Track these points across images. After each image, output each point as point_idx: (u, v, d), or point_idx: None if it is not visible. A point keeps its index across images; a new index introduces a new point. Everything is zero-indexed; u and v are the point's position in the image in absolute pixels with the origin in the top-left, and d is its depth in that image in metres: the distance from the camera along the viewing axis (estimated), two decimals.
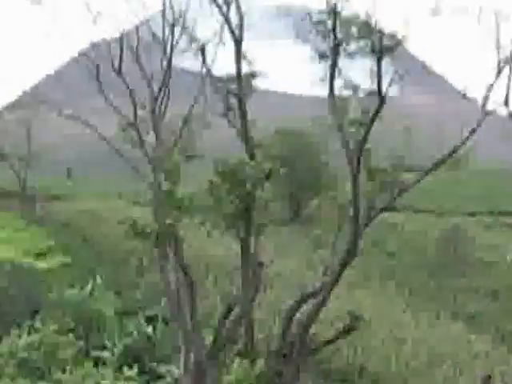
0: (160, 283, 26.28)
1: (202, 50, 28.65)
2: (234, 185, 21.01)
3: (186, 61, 30.62)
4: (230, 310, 23.75)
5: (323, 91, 23.60)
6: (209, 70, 29.12)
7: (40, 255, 56.30)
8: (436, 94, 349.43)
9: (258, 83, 29.70)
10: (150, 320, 34.14)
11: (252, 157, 26.13)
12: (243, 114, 28.53)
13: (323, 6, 21.85)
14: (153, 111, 28.04)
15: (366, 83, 23.14)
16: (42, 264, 52.55)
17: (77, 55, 41.64)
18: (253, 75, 29.28)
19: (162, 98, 28.48)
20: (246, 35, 27.53)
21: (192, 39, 28.48)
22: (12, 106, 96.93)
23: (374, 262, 57.65)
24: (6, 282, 43.76)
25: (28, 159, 77.28)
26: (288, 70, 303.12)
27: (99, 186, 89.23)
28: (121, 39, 28.75)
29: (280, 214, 64.12)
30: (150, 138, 28.50)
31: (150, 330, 32.46)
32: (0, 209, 71.64)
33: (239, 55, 27.84)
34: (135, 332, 32.24)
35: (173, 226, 21.18)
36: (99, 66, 29.64)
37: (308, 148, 72.07)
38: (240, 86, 28.22)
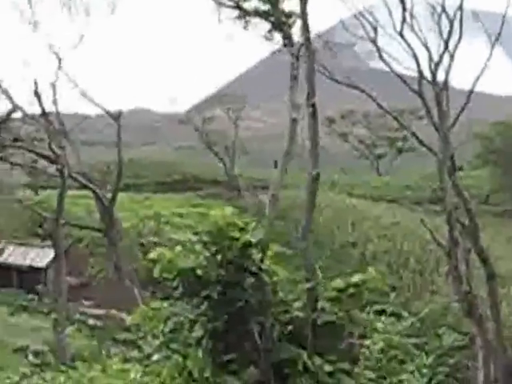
0: None
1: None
2: None
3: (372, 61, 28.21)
4: None
5: None
6: (421, 73, 25.07)
7: None
8: None
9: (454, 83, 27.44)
10: None
11: None
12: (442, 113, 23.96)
13: None
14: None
15: None
16: None
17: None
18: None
19: None
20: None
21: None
22: (207, 103, 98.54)
23: None
24: None
25: (234, 150, 78.11)
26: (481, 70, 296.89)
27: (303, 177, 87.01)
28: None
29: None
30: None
31: None
32: (208, 197, 71.81)
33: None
34: None
35: None
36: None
37: None
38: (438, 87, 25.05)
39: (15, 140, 24.38)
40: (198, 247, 10.60)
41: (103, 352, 29.38)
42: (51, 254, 50.96)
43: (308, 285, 10.69)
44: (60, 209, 26.28)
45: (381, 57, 26.18)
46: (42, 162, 33.62)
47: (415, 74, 25.66)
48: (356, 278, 10.73)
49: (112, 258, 28.07)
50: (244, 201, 69.31)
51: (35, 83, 26.92)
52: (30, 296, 48.36)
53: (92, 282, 50.67)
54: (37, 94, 26.75)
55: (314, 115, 12.37)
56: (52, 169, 34.32)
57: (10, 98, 24.03)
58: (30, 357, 31.31)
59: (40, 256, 51.56)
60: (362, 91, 26.85)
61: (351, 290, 10.66)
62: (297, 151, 30.09)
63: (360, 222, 54.07)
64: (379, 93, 28.90)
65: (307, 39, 13.24)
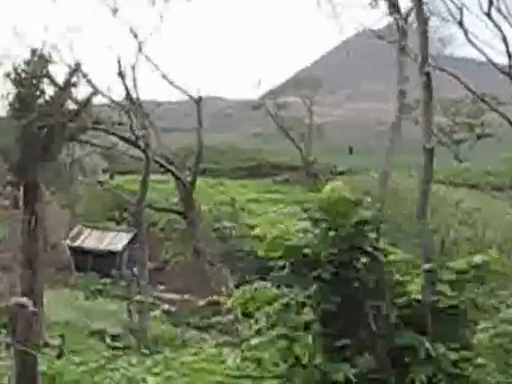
0: None
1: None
2: None
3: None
4: None
5: None
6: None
7: None
8: None
9: None
10: None
11: None
12: None
13: None
14: None
15: None
16: None
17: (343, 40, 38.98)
18: None
19: None
20: None
21: None
22: (285, 87, 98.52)
23: None
24: None
25: (310, 135, 78.24)
26: None
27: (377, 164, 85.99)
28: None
29: None
30: None
31: None
32: (283, 183, 71.78)
33: None
34: None
35: None
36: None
37: None
38: None
39: (96, 123, 23.97)
40: (307, 224, 9.85)
41: (182, 336, 29.00)
42: (126, 238, 51.19)
43: (426, 266, 9.81)
44: (144, 192, 25.90)
45: (468, 39, 25.18)
46: (120, 148, 33.28)
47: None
48: (478, 259, 9.81)
49: (191, 242, 27.63)
50: (320, 187, 68.60)
51: (119, 63, 26.51)
52: (105, 280, 48.51)
53: (166, 266, 50.59)
54: (120, 75, 26.34)
55: (428, 86, 11.44)
56: (131, 153, 34.07)
57: (90, 82, 23.62)
58: (108, 340, 31.08)
59: (115, 240, 51.74)
60: (455, 77, 25.92)
61: (473, 272, 9.76)
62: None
63: (440, 208, 52.61)
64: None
65: (419, 2, 12.31)
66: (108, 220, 55.25)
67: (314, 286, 9.45)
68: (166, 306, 43.29)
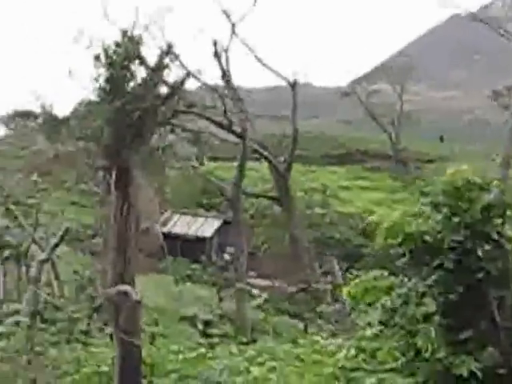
0: None
1: None
2: None
3: None
4: None
5: None
6: None
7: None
8: None
9: None
10: None
11: None
12: None
13: None
14: None
15: None
16: None
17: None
18: None
19: None
20: None
21: None
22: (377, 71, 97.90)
23: None
24: None
25: (399, 123, 76.73)
26: None
27: (468, 151, 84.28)
28: None
29: None
30: None
31: None
32: (373, 170, 70.99)
33: None
34: None
35: None
36: None
37: None
38: None
39: (189, 106, 23.52)
40: (426, 209, 9.12)
41: (279, 324, 28.53)
42: (216, 224, 51.10)
43: None
44: (241, 177, 25.38)
45: None
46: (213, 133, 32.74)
47: None
48: None
49: (287, 228, 27.03)
50: (409, 174, 67.82)
51: (214, 44, 25.95)
52: (195, 266, 48.52)
53: (257, 252, 50.23)
54: (216, 55, 25.80)
55: None
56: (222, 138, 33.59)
57: (182, 64, 23.16)
58: (200, 326, 30.84)
59: (205, 226, 51.73)
60: None
61: None
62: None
63: None
64: None
65: None
66: (197, 206, 55.31)
67: (435, 275, 8.76)
68: (257, 292, 43.07)
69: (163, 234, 48.75)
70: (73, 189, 53.38)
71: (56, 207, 45.68)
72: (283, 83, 44.95)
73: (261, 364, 11.95)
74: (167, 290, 41.14)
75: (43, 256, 13.80)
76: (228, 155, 58.95)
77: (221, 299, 36.51)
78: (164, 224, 49.90)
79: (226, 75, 26.04)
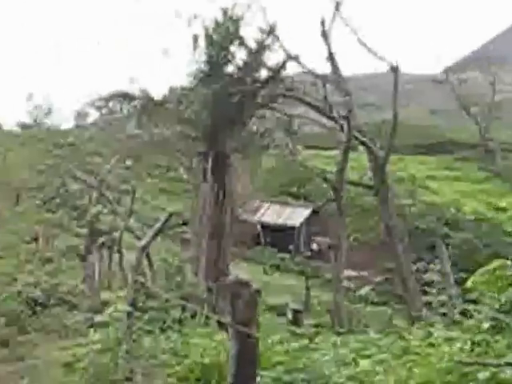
0: None
1: None
2: None
3: None
4: None
5: None
6: None
7: (501, 209, 53.46)
8: None
9: None
10: None
11: None
12: None
13: None
14: None
15: None
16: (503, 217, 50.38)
17: None
18: None
19: None
20: None
21: None
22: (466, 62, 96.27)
23: None
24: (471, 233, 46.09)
25: (490, 113, 75.16)
26: None
27: None
28: None
29: None
30: None
31: None
32: (462, 160, 69.75)
33: None
34: None
35: None
36: None
37: None
38: None
39: (288, 90, 22.81)
40: None
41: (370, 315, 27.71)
42: (304, 213, 50.49)
43: None
44: (344, 165, 24.55)
45: None
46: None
47: None
48: None
49: (380, 217, 26.21)
50: (497, 164, 66.27)
51: (322, 23, 25.11)
52: (283, 255, 48.14)
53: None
54: (324, 35, 24.92)
55: None
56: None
57: (283, 47, 22.42)
58: (290, 316, 30.31)
59: (293, 215, 51.26)
60: None
61: None
62: None
63: None
64: None
65: None
66: (286, 195, 54.84)
67: None
68: (346, 282, 42.47)
69: (253, 222, 48.48)
70: (163, 176, 53.58)
71: (146, 194, 45.94)
72: (359, 71, 43.63)
73: (367, 356, 11.24)
74: (255, 278, 40.81)
75: (143, 243, 13.29)
76: (321, 144, 58.39)
77: (308, 289, 35.97)
78: (254, 212, 49.54)
79: (332, 57, 25.15)
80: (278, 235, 48.98)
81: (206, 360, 11.08)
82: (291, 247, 49.18)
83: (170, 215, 14.47)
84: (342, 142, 24.68)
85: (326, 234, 50.05)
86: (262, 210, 50.63)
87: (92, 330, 13.44)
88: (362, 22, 33.79)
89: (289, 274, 44.60)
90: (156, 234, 13.55)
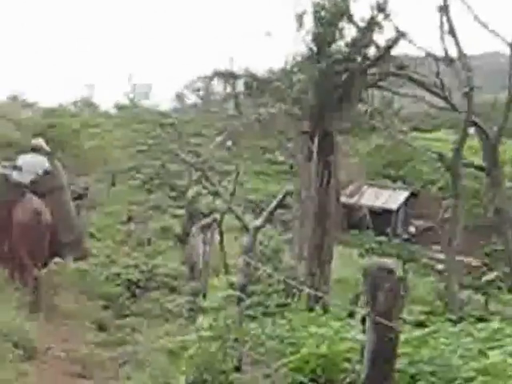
0: None
1: None
2: None
3: None
4: None
5: None
6: None
7: None
8: None
9: None
10: None
11: None
12: None
13: None
14: None
15: None
16: None
17: None
18: None
19: None
20: None
21: None
22: None
23: None
24: None
25: None
26: None
27: None
28: None
29: None
30: None
31: None
32: None
33: None
34: None
35: None
36: None
37: None
38: None
39: (399, 68, 21.91)
40: None
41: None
42: (402, 195, 49.66)
43: None
44: (462, 142, 23.65)
45: None
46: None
47: None
48: None
49: (496, 200, 25.11)
50: None
51: None
52: (380, 238, 47.51)
53: (443, 225, 48.46)
54: (444, 8, 23.82)
55: None
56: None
57: (394, 24, 21.45)
58: None
59: (391, 198, 50.54)
60: None
61: None
62: None
63: None
64: None
65: None
66: (383, 177, 53.91)
67: None
68: (440, 267, 41.60)
69: (350, 205, 47.77)
70: (259, 157, 53.19)
71: (242, 176, 45.69)
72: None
73: (497, 347, 10.34)
74: (351, 262, 40.23)
75: (257, 223, 12.81)
76: (424, 126, 57.14)
77: (406, 272, 35.10)
78: (352, 195, 48.86)
79: (454, 33, 24.11)
80: (375, 218, 48.31)
81: (324, 350, 10.42)
82: (388, 230, 48.53)
83: (285, 195, 13.95)
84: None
85: (425, 217, 49.15)
86: (360, 193, 49.92)
87: (200, 315, 13.08)
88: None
89: (386, 258, 43.76)
90: (271, 213, 13.10)
